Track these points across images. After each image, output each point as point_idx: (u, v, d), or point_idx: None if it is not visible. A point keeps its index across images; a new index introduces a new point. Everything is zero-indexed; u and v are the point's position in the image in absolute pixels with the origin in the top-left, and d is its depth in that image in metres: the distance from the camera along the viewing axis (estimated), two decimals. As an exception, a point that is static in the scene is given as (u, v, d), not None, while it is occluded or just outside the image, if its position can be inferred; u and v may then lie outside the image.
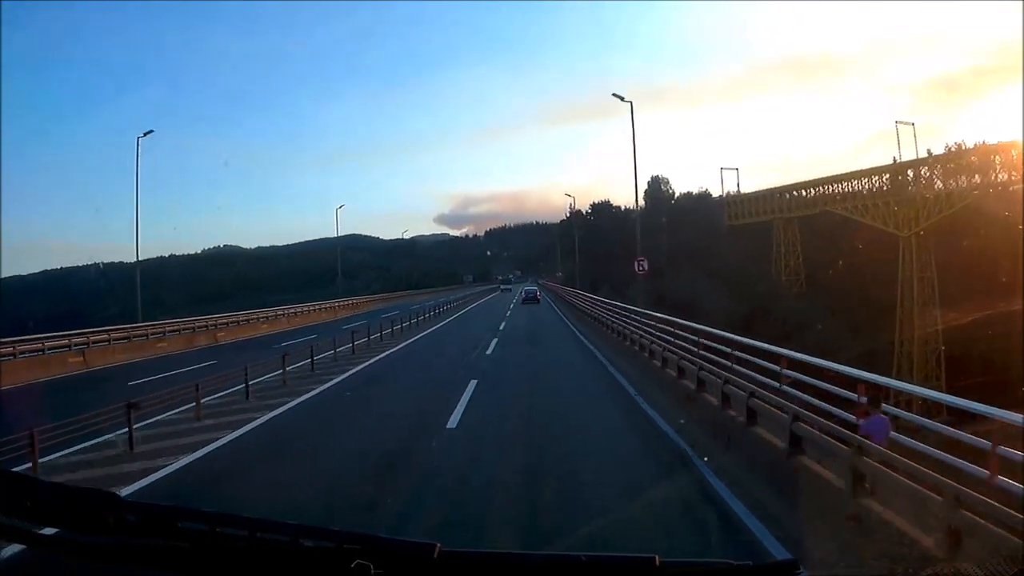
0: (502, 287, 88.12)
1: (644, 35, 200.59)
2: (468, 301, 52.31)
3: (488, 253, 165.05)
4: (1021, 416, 3.98)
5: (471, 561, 1.29)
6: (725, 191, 62.78)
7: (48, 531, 1.42)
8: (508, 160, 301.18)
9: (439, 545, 1.23)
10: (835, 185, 55.20)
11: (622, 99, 25.84)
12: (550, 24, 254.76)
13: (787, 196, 58.08)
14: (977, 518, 3.16)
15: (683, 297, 51.25)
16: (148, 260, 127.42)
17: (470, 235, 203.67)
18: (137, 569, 1.37)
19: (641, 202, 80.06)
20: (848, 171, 54.25)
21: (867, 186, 50.90)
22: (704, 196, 74.07)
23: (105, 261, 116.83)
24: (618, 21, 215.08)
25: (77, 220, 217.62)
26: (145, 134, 30.02)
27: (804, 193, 57.65)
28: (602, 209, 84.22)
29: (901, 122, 49.14)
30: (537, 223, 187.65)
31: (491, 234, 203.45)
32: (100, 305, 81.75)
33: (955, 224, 44.69)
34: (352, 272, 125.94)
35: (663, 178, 79.22)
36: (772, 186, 60.23)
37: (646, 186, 76.58)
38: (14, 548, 1.62)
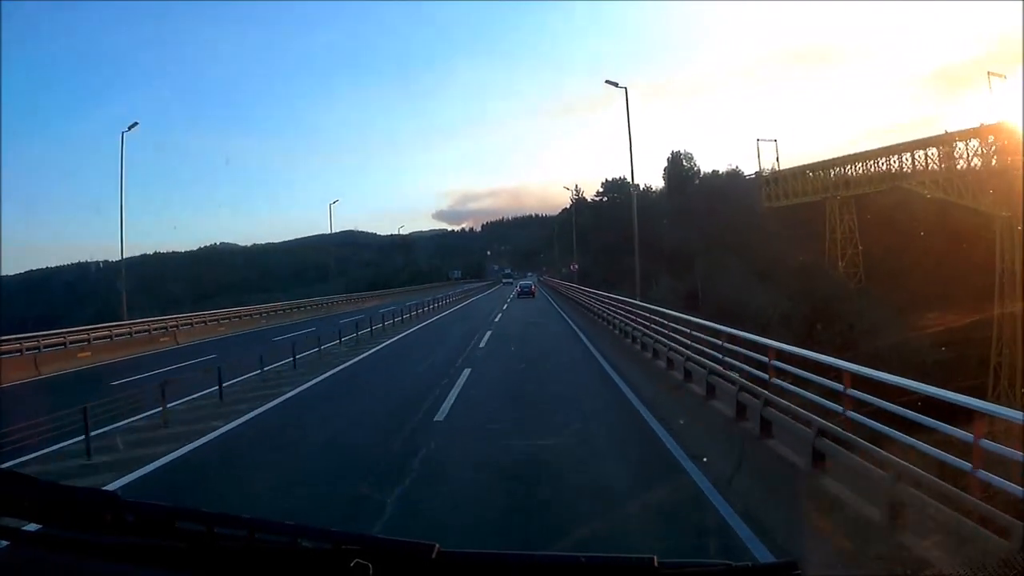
0: (504, 280, 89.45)
1: (646, 29, 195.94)
2: (430, 312, 33.28)
3: (488, 252, 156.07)
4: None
5: (469, 561, 1.28)
6: (761, 166, 52.23)
7: (44, 530, 1.41)
8: (507, 155, 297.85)
9: (438, 546, 1.23)
10: (892, 157, 45.07)
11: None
12: (549, 18, 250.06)
13: (832, 173, 47.87)
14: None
15: (721, 296, 41.23)
16: (141, 257, 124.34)
17: (467, 230, 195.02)
18: (135, 569, 1.35)
19: (660, 181, 69.76)
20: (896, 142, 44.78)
21: (905, 162, 43.33)
22: (735, 174, 63.47)
23: (92, 260, 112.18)
24: (617, 12, 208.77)
25: (65, 220, 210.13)
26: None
27: (852, 169, 47.36)
28: (617, 188, 68.36)
29: (994, 74, 38.75)
30: (536, 215, 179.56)
31: (488, 228, 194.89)
32: (81, 305, 78.65)
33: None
34: (342, 270, 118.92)
35: (686, 154, 68.00)
36: (819, 159, 49.79)
37: (666, 163, 65.50)
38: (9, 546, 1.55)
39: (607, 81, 24.37)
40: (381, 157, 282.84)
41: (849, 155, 48.46)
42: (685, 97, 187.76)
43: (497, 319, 28.91)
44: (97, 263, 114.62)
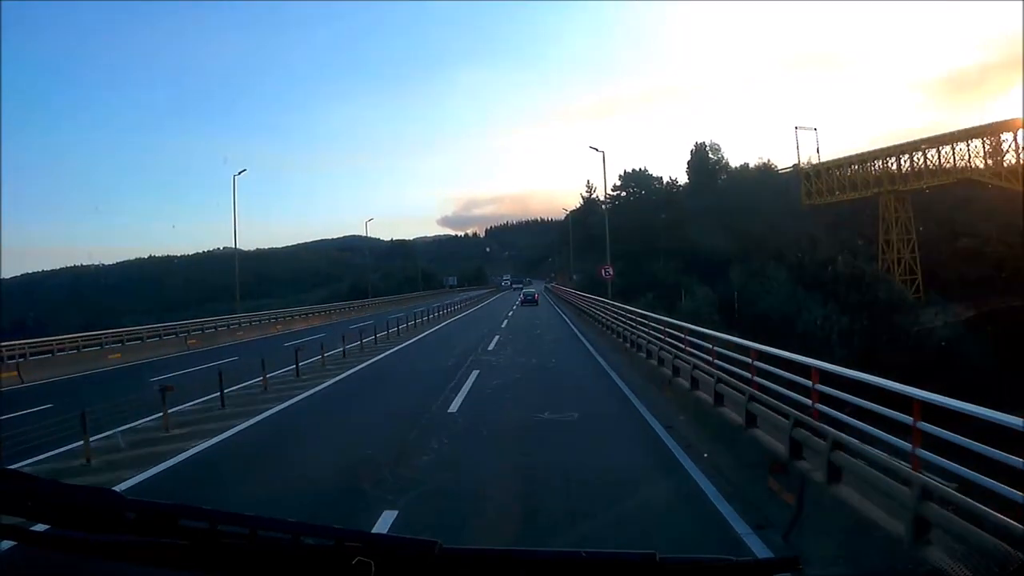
0: (513, 286, 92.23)
1: (647, 33, 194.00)
2: (366, 352, 17.86)
3: (487, 250, 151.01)
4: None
5: (471, 558, 1.28)
6: (799, 159, 46.22)
7: (47, 529, 1.39)
8: (512, 162, 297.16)
9: (439, 543, 1.22)
10: (960, 146, 39.11)
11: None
12: (555, 24, 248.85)
13: (874, 166, 42.00)
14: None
15: (762, 308, 35.30)
16: (138, 260, 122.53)
17: (470, 235, 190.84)
18: (138, 567, 1.35)
19: (684, 176, 62.50)
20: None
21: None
22: (767, 168, 57.21)
23: (89, 263, 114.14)
24: (624, 15, 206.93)
25: (63, 222, 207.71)
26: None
27: (908, 161, 41.36)
28: (637, 180, 58.34)
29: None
30: (541, 220, 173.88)
31: (492, 233, 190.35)
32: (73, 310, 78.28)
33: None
34: (340, 275, 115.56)
35: (712, 145, 60.89)
36: (865, 150, 43.81)
37: (689, 156, 58.49)
38: (13, 545, 1.54)
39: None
40: (387, 162, 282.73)
41: (897, 145, 42.53)
42: (690, 100, 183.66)
43: (464, 392, 11.05)
44: (96, 265, 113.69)
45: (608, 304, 21.66)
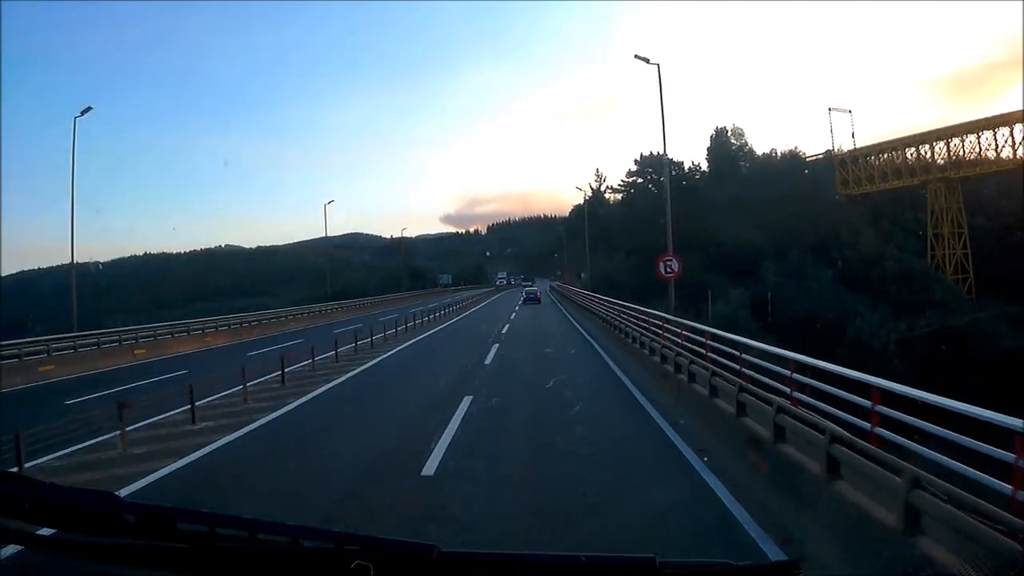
0: (522, 283, 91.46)
1: (651, 30, 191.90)
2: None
3: (488, 253, 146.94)
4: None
5: (470, 562, 1.29)
6: (834, 145, 41.82)
7: (46, 532, 1.39)
8: (516, 160, 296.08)
9: (437, 547, 1.22)
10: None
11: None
12: (560, 19, 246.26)
13: (911, 153, 37.80)
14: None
15: (800, 312, 31.08)
16: (132, 258, 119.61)
17: (472, 232, 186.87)
18: (136, 570, 1.36)
19: (704, 164, 57.32)
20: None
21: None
22: (795, 156, 52.83)
23: (90, 260, 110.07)
24: (628, 15, 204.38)
25: (59, 220, 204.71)
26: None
27: (956, 146, 37.05)
28: (655, 166, 50.47)
29: None
30: (544, 216, 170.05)
31: (494, 230, 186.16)
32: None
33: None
34: (339, 273, 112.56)
35: (735, 130, 55.97)
36: (904, 134, 39.47)
37: (708, 142, 53.84)
38: (12, 549, 1.52)
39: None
40: (390, 160, 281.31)
41: (946, 128, 38.22)
42: (694, 97, 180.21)
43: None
44: (96, 263, 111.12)
45: (669, 324, 11.65)
